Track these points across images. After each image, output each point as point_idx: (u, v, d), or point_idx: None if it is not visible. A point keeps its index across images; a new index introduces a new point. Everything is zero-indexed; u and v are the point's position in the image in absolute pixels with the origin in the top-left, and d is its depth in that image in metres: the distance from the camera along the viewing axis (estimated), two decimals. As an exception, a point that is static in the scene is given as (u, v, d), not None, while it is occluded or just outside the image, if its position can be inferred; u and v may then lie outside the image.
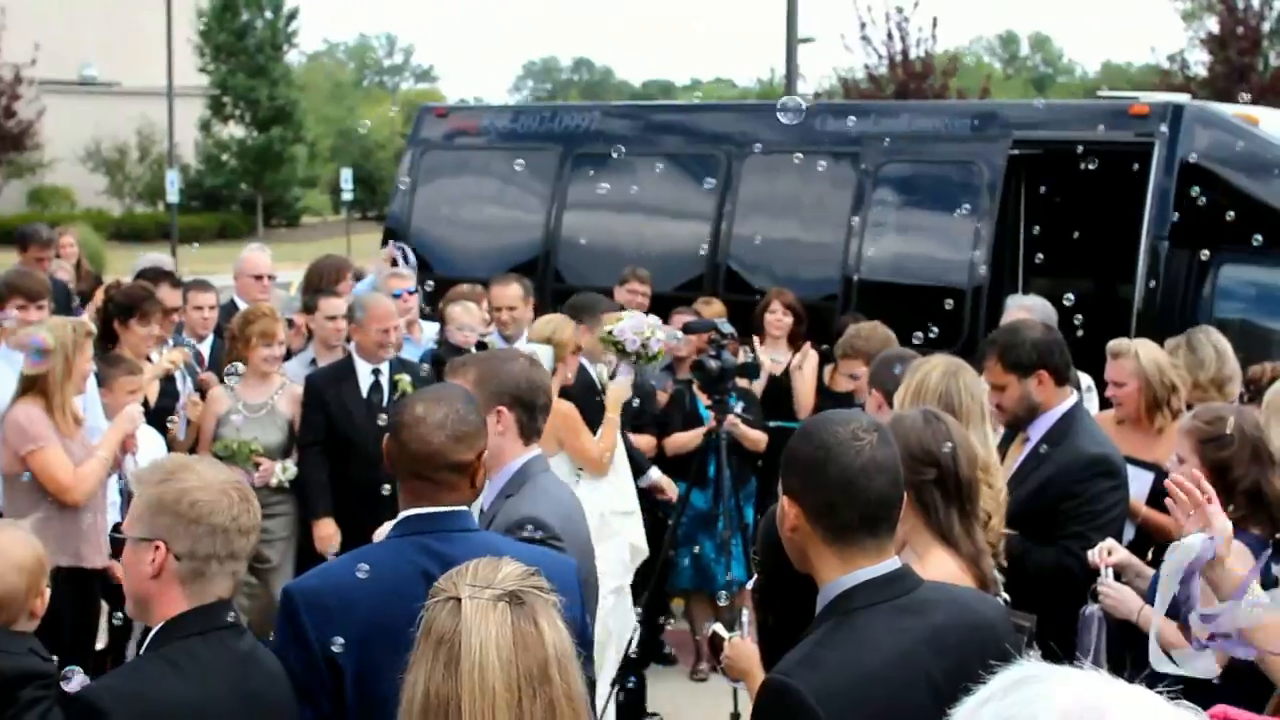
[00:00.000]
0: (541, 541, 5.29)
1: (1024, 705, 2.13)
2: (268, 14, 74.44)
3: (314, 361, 11.13)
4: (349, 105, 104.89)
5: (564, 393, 9.33)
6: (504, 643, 3.54)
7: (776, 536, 4.43)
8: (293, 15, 75.81)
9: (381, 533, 5.38)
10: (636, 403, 10.91)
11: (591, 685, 4.13)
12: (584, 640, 4.86)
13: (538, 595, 3.65)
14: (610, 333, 10.14)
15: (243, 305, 11.90)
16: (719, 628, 5.35)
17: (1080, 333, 10.06)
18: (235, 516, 4.48)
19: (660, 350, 10.32)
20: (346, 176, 60.73)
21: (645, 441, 11.43)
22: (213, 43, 71.68)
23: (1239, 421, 6.27)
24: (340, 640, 4.54)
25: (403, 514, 4.88)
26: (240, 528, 4.50)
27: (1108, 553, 6.59)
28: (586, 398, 9.88)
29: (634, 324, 10.15)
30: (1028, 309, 10.39)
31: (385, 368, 10.54)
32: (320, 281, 12.55)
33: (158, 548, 4.42)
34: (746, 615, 5.50)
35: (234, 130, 73.88)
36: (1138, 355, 8.72)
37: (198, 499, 4.44)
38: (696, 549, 11.42)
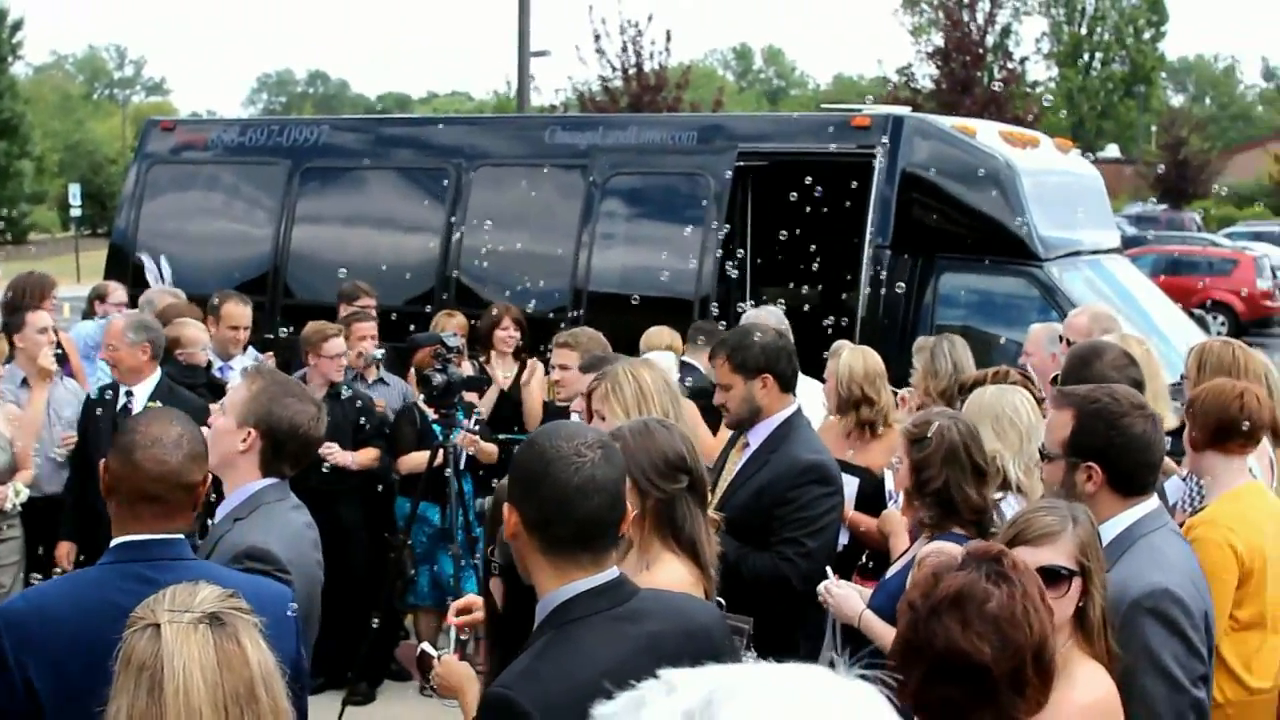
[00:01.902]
0: (264, 573, 5.17)
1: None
2: (-9, 24, 72.42)
3: (25, 381, 10.79)
4: (78, 119, 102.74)
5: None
6: (208, 664, 3.49)
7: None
8: (18, 25, 73.81)
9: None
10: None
11: (302, 715, 4.08)
12: (298, 670, 4.79)
13: (238, 615, 3.60)
14: None
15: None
16: (427, 646, 5.31)
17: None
18: None
19: None
20: (75, 192, 59.43)
21: (368, 455, 11.33)
22: (-67, 54, 69.49)
23: (943, 426, 6.38)
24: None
25: (118, 540, 4.72)
26: None
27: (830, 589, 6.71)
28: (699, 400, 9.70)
29: None
30: (763, 319, 10.51)
31: (142, 390, 10.23)
32: (24, 298, 12.28)
33: None
34: (454, 632, 5.48)
35: (-43, 144, 71.75)
36: (839, 357, 9.08)
37: None
38: (435, 566, 11.35)
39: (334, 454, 10.88)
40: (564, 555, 4.02)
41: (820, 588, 6.64)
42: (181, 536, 4.79)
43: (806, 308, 13.65)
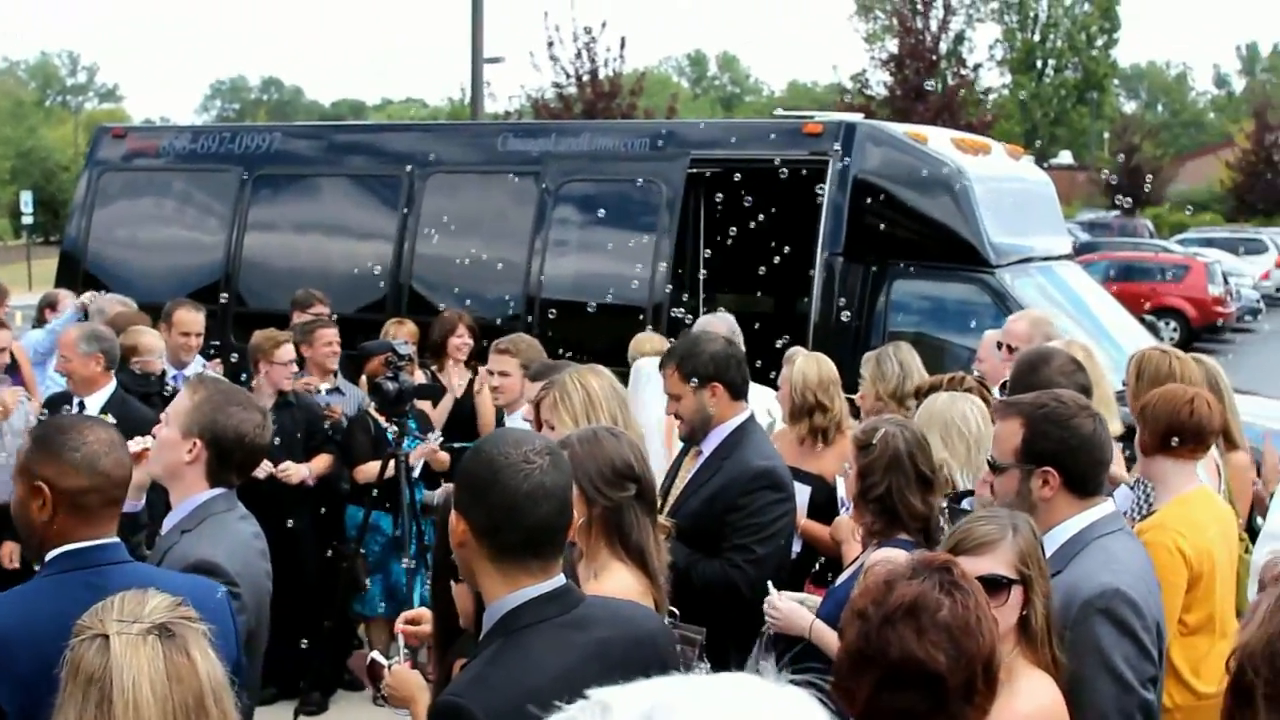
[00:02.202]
0: None
1: None
2: (-59, 32, 71.95)
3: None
4: (30, 125, 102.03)
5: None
6: (157, 677, 3.48)
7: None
8: (-33, 33, 73.41)
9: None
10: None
11: (246, 714, 4.07)
12: (236, 670, 4.78)
13: (188, 626, 3.59)
14: None
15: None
16: (377, 655, 5.29)
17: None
18: None
19: None
20: (27, 200, 59.12)
21: (322, 463, 11.29)
22: (-118, 61, 68.99)
23: (889, 433, 6.38)
24: None
25: (61, 550, 4.70)
26: None
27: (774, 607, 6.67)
28: None
29: None
30: (715, 327, 10.50)
31: (94, 401, 10.16)
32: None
33: None
34: (402, 641, 5.46)
35: (-93, 151, 71.29)
36: (793, 363, 9.10)
37: None
38: (389, 575, 11.31)
39: (289, 472, 10.85)
40: (513, 562, 4.02)
41: (765, 604, 6.61)
42: (118, 539, 4.82)
43: (760, 314, 13.65)
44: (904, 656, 3.67)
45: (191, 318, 11.96)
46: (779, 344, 10.45)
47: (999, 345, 9.56)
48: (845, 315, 12.79)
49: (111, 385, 10.19)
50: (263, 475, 10.51)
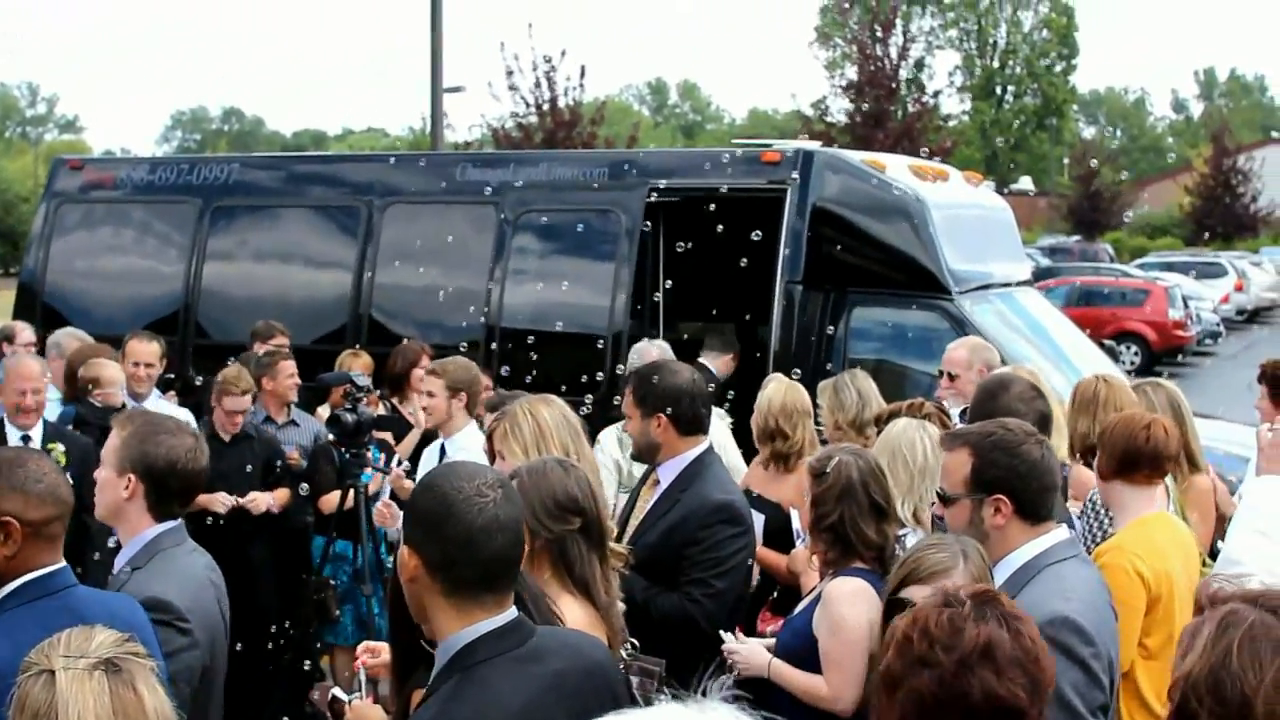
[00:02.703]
0: (166, 624, 5.16)
1: None
2: (-101, 64, 71.75)
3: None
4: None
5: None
6: (103, 712, 3.47)
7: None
8: (-74, 65, 73.22)
9: None
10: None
11: None
12: None
13: (135, 660, 3.57)
14: None
15: None
16: (338, 691, 5.25)
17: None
18: None
19: None
20: (-14, 231, 59.01)
21: (284, 495, 11.24)
22: None
23: (843, 461, 6.37)
24: None
25: (25, 579, 4.71)
26: None
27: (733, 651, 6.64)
28: None
29: None
30: (648, 354, 10.49)
31: (36, 434, 10.10)
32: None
33: None
34: (364, 676, 5.42)
35: None
36: (766, 388, 9.12)
37: None
38: (360, 605, 11.25)
39: (256, 500, 10.81)
40: (467, 597, 4.00)
41: (724, 649, 6.59)
42: (66, 564, 4.87)
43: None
44: (986, 697, 3.58)
45: (144, 348, 11.88)
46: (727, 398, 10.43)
47: (939, 373, 9.60)
48: (804, 343, 12.79)
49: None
50: (224, 510, 10.50)
